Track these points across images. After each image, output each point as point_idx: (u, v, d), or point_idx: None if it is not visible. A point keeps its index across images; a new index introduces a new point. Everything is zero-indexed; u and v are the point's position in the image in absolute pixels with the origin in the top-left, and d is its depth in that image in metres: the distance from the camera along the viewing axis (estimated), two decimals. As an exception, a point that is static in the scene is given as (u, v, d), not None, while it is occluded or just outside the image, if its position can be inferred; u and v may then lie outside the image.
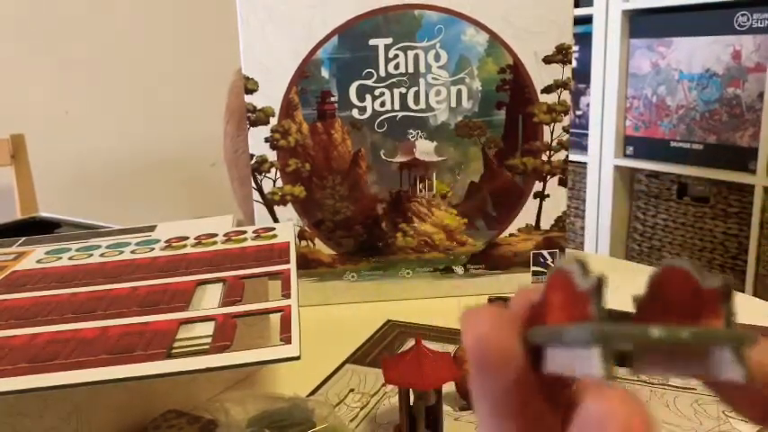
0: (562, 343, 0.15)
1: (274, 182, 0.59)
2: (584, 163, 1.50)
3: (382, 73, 0.57)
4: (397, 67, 0.57)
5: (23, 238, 0.58)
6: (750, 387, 0.15)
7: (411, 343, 0.49)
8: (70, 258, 0.50)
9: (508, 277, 0.61)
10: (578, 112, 1.51)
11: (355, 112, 0.57)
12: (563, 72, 0.57)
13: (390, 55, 0.56)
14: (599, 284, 0.15)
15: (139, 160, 1.57)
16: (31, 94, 1.43)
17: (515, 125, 0.59)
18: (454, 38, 0.56)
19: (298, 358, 0.34)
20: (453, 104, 0.58)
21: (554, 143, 0.59)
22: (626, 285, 0.68)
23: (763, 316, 0.54)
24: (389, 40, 0.56)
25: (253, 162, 0.58)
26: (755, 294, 1.18)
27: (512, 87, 0.58)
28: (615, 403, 0.13)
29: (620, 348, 0.14)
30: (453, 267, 0.61)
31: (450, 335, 0.54)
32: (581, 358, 0.14)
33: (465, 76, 0.57)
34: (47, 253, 0.52)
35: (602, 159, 1.47)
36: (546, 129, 0.59)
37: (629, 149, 1.42)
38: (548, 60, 0.57)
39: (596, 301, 0.15)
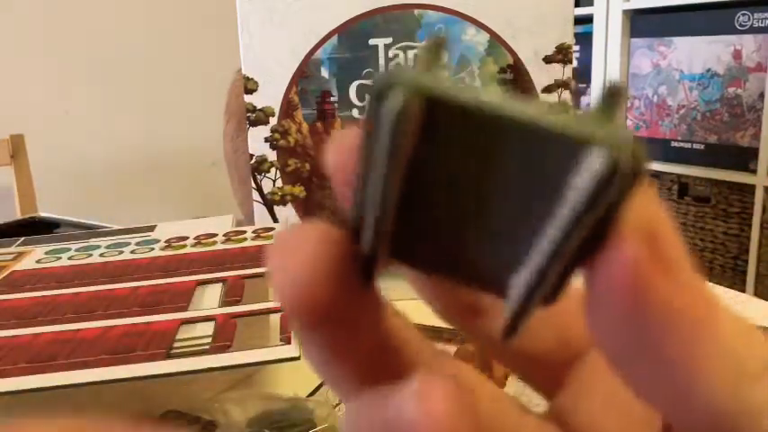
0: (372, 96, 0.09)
1: (274, 182, 0.59)
2: (585, 163, 1.50)
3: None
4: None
5: (23, 238, 0.58)
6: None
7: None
8: (70, 258, 0.50)
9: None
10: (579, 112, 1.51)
11: (355, 112, 0.57)
12: (563, 72, 0.57)
13: (390, 55, 0.56)
14: (438, 41, 0.10)
15: (139, 160, 1.57)
16: (31, 94, 1.43)
17: (516, 125, 0.59)
18: (454, 37, 0.56)
19: (298, 358, 0.34)
20: (453, 104, 0.58)
21: (554, 143, 0.59)
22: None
23: (765, 316, 0.54)
24: (389, 40, 0.56)
25: (252, 162, 0.58)
26: (756, 294, 1.18)
27: (512, 87, 0.58)
28: (438, 407, 0.09)
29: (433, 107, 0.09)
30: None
31: (450, 335, 0.54)
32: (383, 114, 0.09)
33: (465, 76, 0.57)
34: (47, 253, 0.52)
35: (602, 159, 1.46)
36: (546, 128, 0.59)
37: (630, 149, 1.42)
38: (548, 60, 0.57)
39: (427, 56, 0.10)
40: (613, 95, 0.10)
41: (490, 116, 0.09)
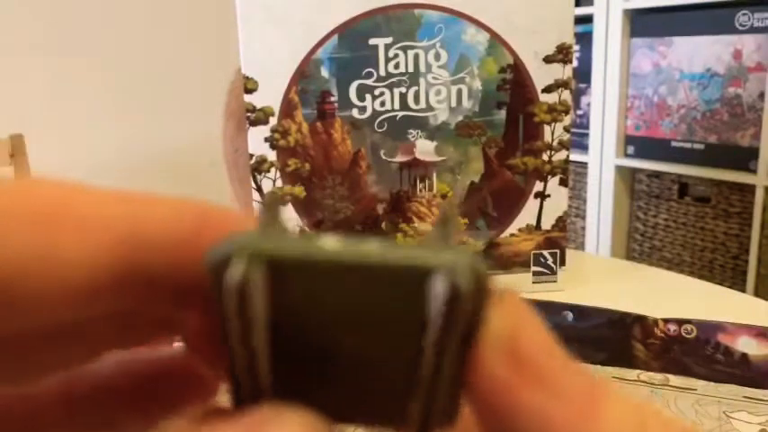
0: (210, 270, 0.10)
1: (274, 182, 0.58)
2: (585, 163, 1.50)
3: (382, 72, 0.56)
4: (397, 66, 0.56)
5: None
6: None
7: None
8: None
9: (508, 277, 0.61)
10: (579, 112, 1.51)
11: (355, 112, 0.57)
12: (563, 71, 0.57)
13: (390, 54, 0.56)
14: (273, 199, 0.11)
15: (139, 160, 1.57)
16: (31, 94, 1.43)
17: (516, 125, 0.58)
18: (454, 37, 0.56)
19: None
20: (453, 104, 0.58)
21: (555, 143, 0.59)
22: (627, 285, 0.67)
23: (765, 316, 0.54)
24: (389, 40, 0.56)
25: (252, 162, 0.58)
26: (757, 294, 1.18)
27: (512, 87, 0.58)
28: None
29: (284, 269, 0.09)
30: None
31: None
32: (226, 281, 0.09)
33: (465, 76, 0.57)
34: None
35: (602, 159, 1.46)
36: (547, 128, 0.59)
37: (630, 149, 1.42)
38: (548, 60, 0.57)
39: (267, 212, 0.10)
40: (446, 218, 0.10)
41: (335, 266, 0.09)
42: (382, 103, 0.57)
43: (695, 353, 0.44)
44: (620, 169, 1.44)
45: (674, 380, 0.43)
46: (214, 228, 0.11)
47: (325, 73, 0.56)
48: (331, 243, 0.09)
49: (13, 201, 0.10)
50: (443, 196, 0.60)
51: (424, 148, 0.59)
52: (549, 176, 0.60)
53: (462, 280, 0.09)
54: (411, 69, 0.57)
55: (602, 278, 0.66)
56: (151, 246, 0.11)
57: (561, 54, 0.57)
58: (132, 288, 0.11)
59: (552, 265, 0.61)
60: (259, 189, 0.59)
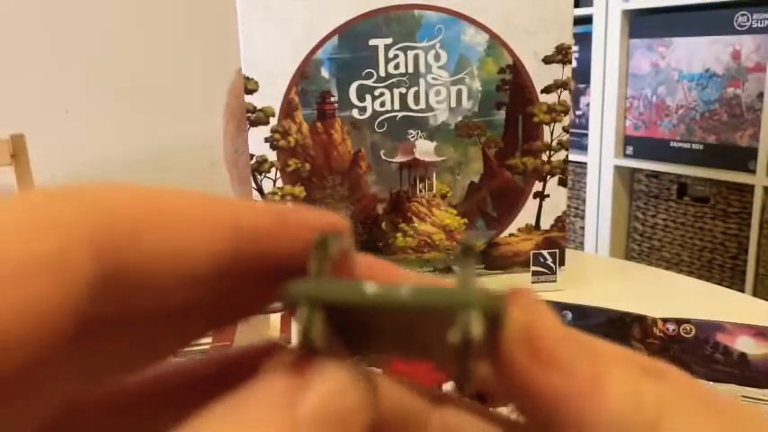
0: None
1: (274, 182, 0.59)
2: (584, 163, 1.51)
3: (382, 73, 0.57)
4: (397, 67, 0.57)
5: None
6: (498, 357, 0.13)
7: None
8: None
9: (508, 277, 0.61)
10: (578, 112, 1.51)
11: (355, 112, 0.57)
12: (563, 72, 0.57)
13: (390, 55, 0.56)
14: (323, 238, 0.13)
15: (139, 160, 1.57)
16: (31, 94, 1.43)
17: (515, 125, 0.59)
18: (454, 38, 0.56)
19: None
20: (453, 104, 0.58)
21: (554, 143, 0.59)
22: (626, 285, 0.67)
23: (764, 316, 0.54)
24: (389, 41, 0.56)
25: (252, 162, 0.58)
26: (755, 294, 1.18)
27: (512, 87, 0.58)
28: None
29: (337, 313, 0.12)
30: (453, 267, 0.61)
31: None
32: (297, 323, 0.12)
33: (465, 77, 0.57)
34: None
35: (601, 159, 1.47)
36: (546, 129, 0.59)
37: (629, 149, 1.42)
38: (547, 60, 0.57)
39: (317, 256, 0.13)
40: (467, 252, 0.13)
41: (376, 307, 0.12)
42: (382, 104, 0.57)
43: (694, 352, 0.44)
44: (619, 169, 1.44)
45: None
46: (291, 224, 0.14)
47: (325, 73, 0.57)
48: (371, 288, 0.12)
49: (141, 208, 0.12)
50: (443, 196, 0.60)
51: (424, 149, 0.59)
52: (549, 176, 0.60)
53: (474, 330, 0.12)
54: (411, 70, 0.57)
55: (602, 278, 0.66)
56: (247, 238, 0.13)
57: (560, 54, 0.57)
58: (233, 272, 0.13)
59: (551, 265, 0.61)
60: (259, 189, 0.59)
